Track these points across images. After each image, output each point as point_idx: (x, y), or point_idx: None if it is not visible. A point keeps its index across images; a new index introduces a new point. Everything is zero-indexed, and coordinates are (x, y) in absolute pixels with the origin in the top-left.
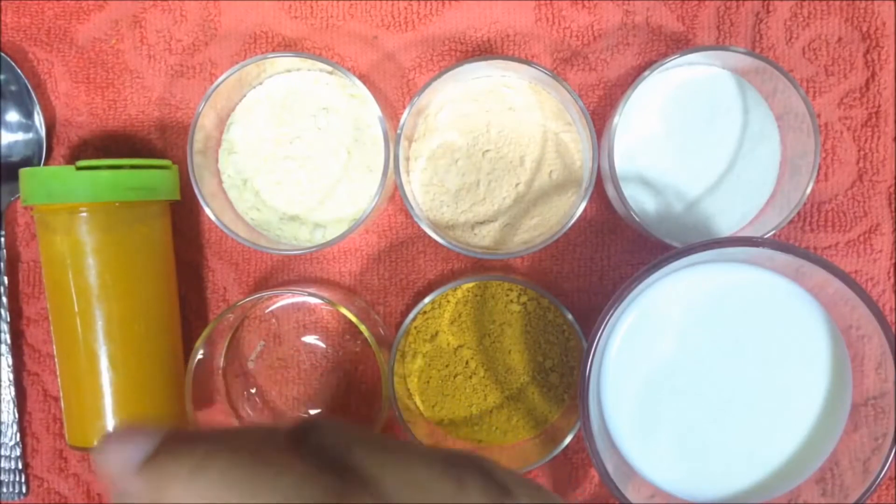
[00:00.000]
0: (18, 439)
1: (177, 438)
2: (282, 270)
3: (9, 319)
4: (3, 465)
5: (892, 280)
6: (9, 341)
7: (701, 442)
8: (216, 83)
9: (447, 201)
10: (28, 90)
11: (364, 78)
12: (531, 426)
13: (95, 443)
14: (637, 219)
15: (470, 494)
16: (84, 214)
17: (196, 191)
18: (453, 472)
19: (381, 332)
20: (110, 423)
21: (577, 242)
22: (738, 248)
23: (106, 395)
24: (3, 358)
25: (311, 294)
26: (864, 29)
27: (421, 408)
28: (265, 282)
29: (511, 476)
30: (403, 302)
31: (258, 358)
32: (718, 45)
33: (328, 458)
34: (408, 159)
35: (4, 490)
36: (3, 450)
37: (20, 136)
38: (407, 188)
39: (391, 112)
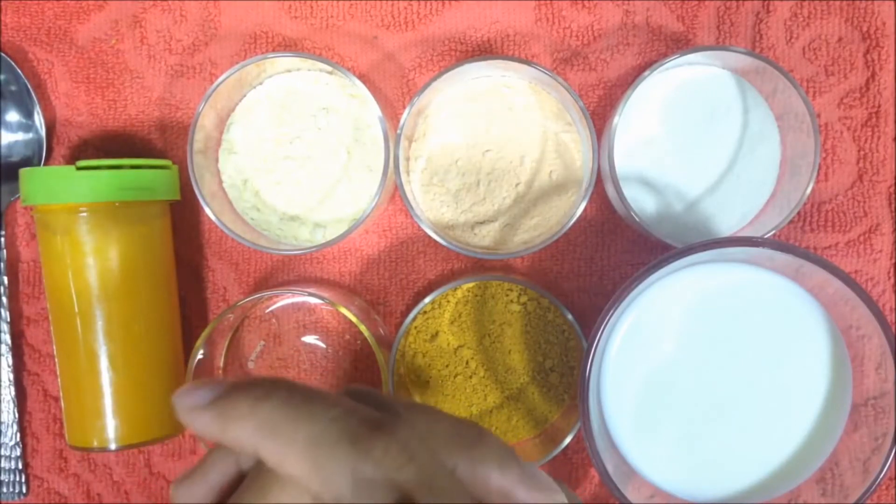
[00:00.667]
0: (18, 439)
1: (241, 382)
2: (282, 270)
3: (9, 319)
4: (3, 465)
5: (892, 280)
6: (9, 341)
7: (701, 442)
8: (216, 83)
9: (447, 201)
10: (28, 90)
11: (364, 78)
12: (531, 426)
13: (95, 443)
14: (637, 219)
15: (490, 441)
16: (84, 214)
17: (196, 191)
18: (477, 427)
19: (381, 332)
20: (110, 423)
21: (577, 242)
22: (738, 248)
23: (106, 395)
24: (3, 358)
25: (311, 294)
26: (864, 29)
27: None
28: (265, 282)
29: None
30: (403, 302)
31: (258, 358)
32: (718, 45)
33: (368, 402)
34: (408, 159)
35: (4, 490)
36: (3, 450)
37: (20, 136)
38: (407, 188)
39: (391, 112)
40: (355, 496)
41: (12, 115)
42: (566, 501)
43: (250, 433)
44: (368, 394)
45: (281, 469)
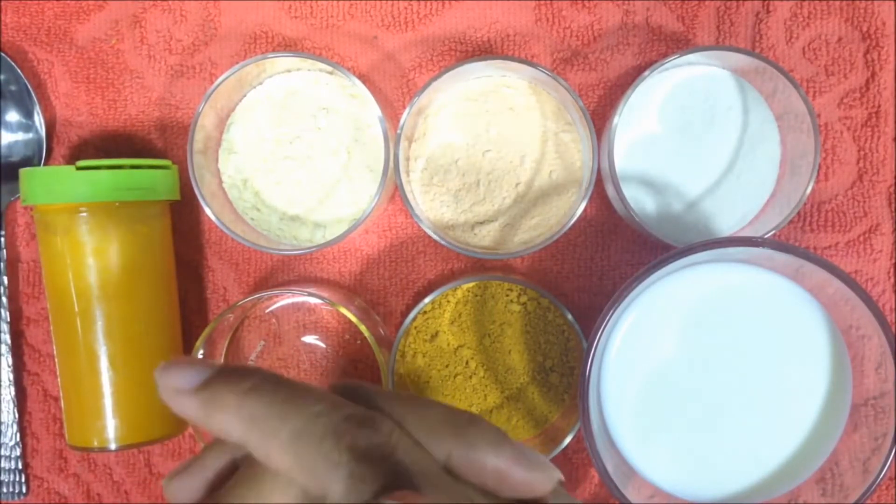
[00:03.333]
0: (18, 439)
1: (230, 370)
2: (282, 270)
3: (9, 319)
4: (3, 465)
5: (892, 280)
6: (9, 341)
7: (701, 442)
8: (216, 83)
9: (447, 201)
10: (28, 90)
11: (364, 78)
12: (531, 426)
13: (95, 443)
14: (637, 219)
15: (480, 424)
16: (84, 214)
17: (196, 191)
18: (467, 413)
19: (381, 332)
20: (110, 423)
21: (577, 242)
22: (738, 248)
23: (106, 395)
24: (3, 358)
25: (311, 294)
26: (864, 29)
27: None
28: (265, 282)
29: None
30: (403, 302)
31: (258, 358)
32: (718, 45)
33: (355, 397)
34: (408, 159)
35: (4, 490)
36: (3, 450)
37: (20, 136)
38: (407, 188)
39: (391, 112)
40: (340, 489)
41: (12, 115)
42: (562, 478)
43: (236, 425)
44: (355, 388)
45: (266, 462)
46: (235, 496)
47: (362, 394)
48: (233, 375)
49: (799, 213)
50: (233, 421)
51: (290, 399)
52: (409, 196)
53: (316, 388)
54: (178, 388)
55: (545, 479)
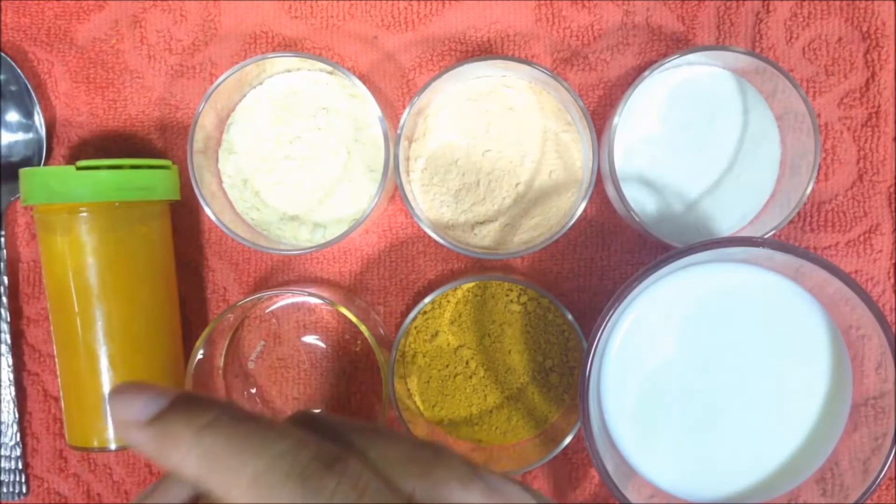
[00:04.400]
0: (18, 439)
1: (186, 401)
2: (282, 270)
3: (9, 319)
4: (3, 465)
5: (892, 280)
6: (9, 341)
7: (701, 442)
8: (216, 83)
9: (447, 201)
10: (28, 90)
11: (364, 78)
12: (531, 426)
13: (95, 443)
14: (637, 219)
15: (447, 460)
16: (84, 214)
17: (196, 191)
18: (432, 447)
19: (381, 332)
20: (110, 423)
21: (577, 242)
22: (738, 248)
23: (106, 395)
24: (3, 358)
25: (311, 294)
26: (864, 29)
27: (421, 408)
28: (265, 282)
29: (495, 474)
30: (403, 302)
31: (258, 358)
32: (718, 45)
33: (322, 432)
34: (408, 159)
35: (4, 490)
36: (3, 450)
37: (20, 136)
38: (407, 188)
39: (391, 112)
40: None
41: (12, 115)
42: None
43: (192, 463)
44: (317, 420)
45: (226, 502)
46: None
47: (326, 425)
48: (189, 407)
49: (799, 213)
50: (189, 458)
51: (251, 436)
52: (409, 196)
53: (279, 424)
54: (127, 420)
55: None
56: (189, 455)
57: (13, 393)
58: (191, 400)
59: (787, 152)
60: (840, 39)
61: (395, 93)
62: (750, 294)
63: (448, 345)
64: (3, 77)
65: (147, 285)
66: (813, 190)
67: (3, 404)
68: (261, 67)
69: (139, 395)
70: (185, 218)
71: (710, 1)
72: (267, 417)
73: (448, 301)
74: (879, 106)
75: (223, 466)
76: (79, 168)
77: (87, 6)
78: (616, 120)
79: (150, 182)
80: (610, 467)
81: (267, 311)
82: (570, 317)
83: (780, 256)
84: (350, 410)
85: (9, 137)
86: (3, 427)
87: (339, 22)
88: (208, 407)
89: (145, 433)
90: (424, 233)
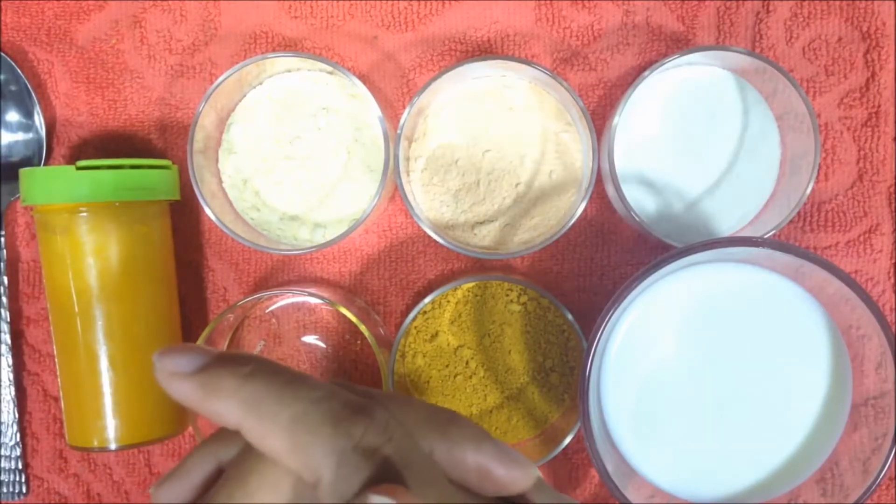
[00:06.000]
0: (18, 439)
1: (229, 355)
2: (282, 270)
3: (9, 319)
4: (3, 465)
5: (892, 280)
6: (9, 341)
7: (701, 442)
8: (216, 83)
9: (447, 201)
10: (28, 90)
11: (364, 78)
12: (531, 426)
13: (95, 443)
14: (637, 219)
15: (462, 422)
16: (84, 214)
17: (196, 191)
18: (448, 411)
19: (381, 332)
20: (110, 423)
21: (577, 242)
22: (738, 248)
23: (106, 395)
24: (3, 358)
25: (311, 294)
26: (864, 29)
27: None
28: (265, 282)
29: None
30: (403, 302)
31: None
32: (718, 45)
33: (352, 390)
34: (408, 159)
35: (4, 490)
36: (3, 450)
37: (20, 136)
38: (407, 188)
39: (391, 112)
40: (334, 476)
41: (12, 115)
42: (540, 475)
43: (234, 409)
44: (343, 385)
45: (262, 446)
46: (223, 496)
47: (352, 390)
48: (232, 360)
49: (799, 213)
50: (231, 405)
51: (288, 385)
52: (409, 196)
53: (312, 378)
54: (175, 371)
55: (524, 476)
56: (231, 401)
57: (13, 393)
58: (233, 355)
59: (787, 152)
60: (840, 39)
61: (395, 93)
62: (750, 294)
63: (448, 345)
64: (3, 77)
65: (147, 285)
66: (813, 190)
67: (3, 404)
68: (261, 67)
69: (185, 352)
70: (185, 218)
71: (710, 1)
72: (302, 372)
73: (448, 301)
74: (879, 106)
75: (262, 412)
76: (79, 168)
77: (87, 6)
78: (616, 120)
79: (150, 182)
80: (610, 467)
81: (267, 311)
82: (570, 317)
83: (780, 256)
84: None
85: (9, 137)
86: (3, 427)
87: (339, 22)
88: (248, 360)
89: (191, 383)
90: (424, 233)
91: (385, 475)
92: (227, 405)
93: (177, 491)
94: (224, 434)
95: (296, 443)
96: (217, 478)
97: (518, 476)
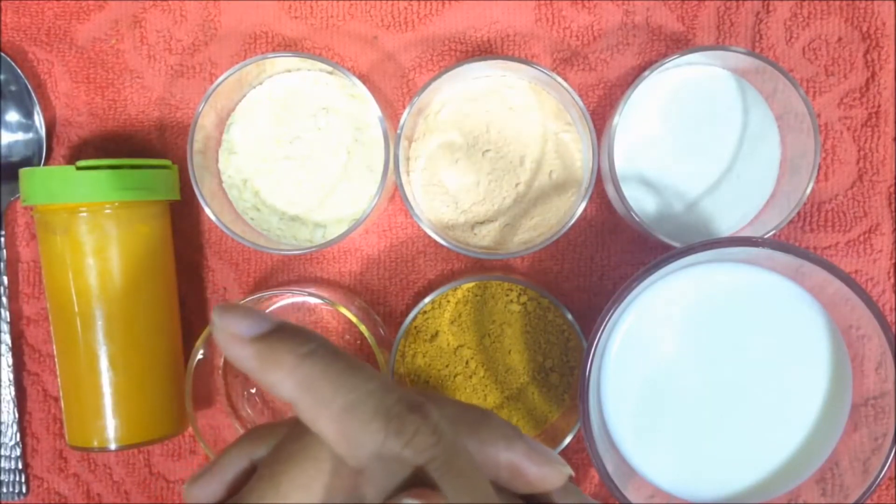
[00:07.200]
0: (18, 439)
1: (290, 329)
2: (282, 270)
3: (9, 319)
4: (3, 465)
5: (892, 280)
6: (9, 341)
7: (701, 442)
8: (216, 83)
9: (447, 201)
10: (28, 90)
11: (364, 78)
12: (531, 426)
13: (95, 443)
14: (637, 219)
15: (494, 421)
16: (84, 214)
17: (196, 191)
18: (479, 409)
19: (381, 332)
20: (110, 423)
21: (577, 242)
22: (738, 248)
23: (106, 395)
24: (3, 358)
25: (311, 294)
26: (864, 29)
27: None
28: (265, 282)
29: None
30: (403, 302)
31: None
32: (718, 45)
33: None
34: (408, 159)
35: (4, 490)
36: (3, 450)
37: (20, 136)
38: (407, 188)
39: (391, 112)
40: (377, 469)
41: (12, 115)
42: (572, 473)
43: (290, 386)
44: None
45: (311, 426)
46: (255, 496)
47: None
48: (293, 336)
49: (799, 213)
50: (287, 381)
51: (345, 371)
52: (409, 196)
53: (369, 367)
54: (235, 333)
55: (556, 473)
56: (288, 378)
57: (13, 393)
58: (295, 329)
59: (787, 152)
60: (840, 39)
61: (395, 93)
62: (750, 294)
63: (448, 345)
64: (3, 77)
65: (147, 285)
66: (813, 190)
67: (3, 404)
68: (261, 67)
69: (247, 316)
70: (185, 218)
71: (710, 1)
72: (359, 360)
73: (448, 301)
74: (879, 106)
75: (317, 394)
76: (79, 168)
77: (87, 6)
78: (616, 120)
79: (150, 182)
80: (610, 467)
81: (267, 311)
82: (570, 317)
83: (780, 256)
84: None
85: (9, 137)
86: (3, 427)
87: (339, 22)
88: (309, 338)
89: (249, 349)
90: (424, 233)
91: (426, 477)
92: (282, 380)
93: (210, 488)
94: (258, 432)
95: (344, 433)
96: (250, 476)
97: (550, 473)
